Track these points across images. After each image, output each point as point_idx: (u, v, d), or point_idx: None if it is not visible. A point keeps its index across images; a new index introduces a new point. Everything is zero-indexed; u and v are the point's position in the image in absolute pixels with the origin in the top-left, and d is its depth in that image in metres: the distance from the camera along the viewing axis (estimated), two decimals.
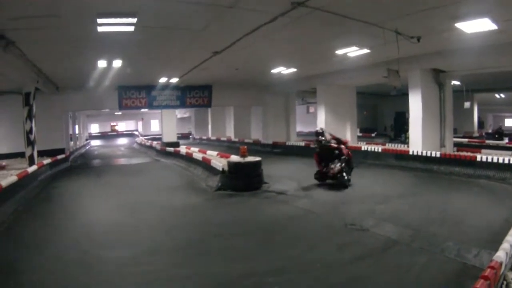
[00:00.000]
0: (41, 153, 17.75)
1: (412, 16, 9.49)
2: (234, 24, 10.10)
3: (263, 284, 5.41)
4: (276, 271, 5.81)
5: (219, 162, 13.45)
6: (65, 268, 6.24)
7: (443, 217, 8.44)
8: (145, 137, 39.43)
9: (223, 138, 33.89)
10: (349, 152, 12.63)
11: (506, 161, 12.62)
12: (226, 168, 12.69)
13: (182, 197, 11.90)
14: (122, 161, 24.98)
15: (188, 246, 7.29)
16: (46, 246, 7.52)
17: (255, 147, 24.35)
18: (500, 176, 12.54)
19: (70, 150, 24.00)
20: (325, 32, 11.23)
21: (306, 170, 13.81)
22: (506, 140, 24.88)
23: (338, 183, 11.93)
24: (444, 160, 14.34)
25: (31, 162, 15.63)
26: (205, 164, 15.22)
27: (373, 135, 31.51)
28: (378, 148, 17.72)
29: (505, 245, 4.22)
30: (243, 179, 12.39)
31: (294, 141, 25.24)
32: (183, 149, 21.11)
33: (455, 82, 19.90)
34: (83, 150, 33.06)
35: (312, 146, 13.09)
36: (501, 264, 3.79)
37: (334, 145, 12.45)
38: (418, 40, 11.30)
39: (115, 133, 57.62)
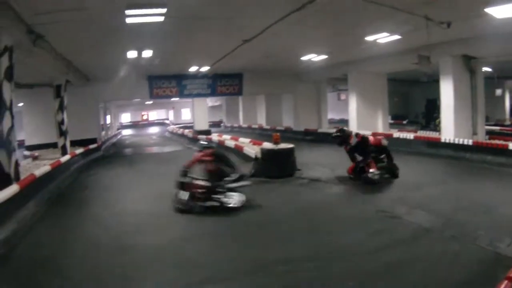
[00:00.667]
0: (73, 143, 18.19)
1: (442, 1, 9.29)
2: (263, 12, 10.02)
3: (298, 269, 5.43)
4: (310, 257, 5.83)
5: (251, 149, 13.44)
6: (100, 254, 6.41)
7: (475, 205, 8.22)
8: (177, 126, 39.71)
9: (254, 126, 33.90)
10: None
11: None
12: (259, 155, 12.67)
13: None
14: (155, 149, 25.22)
15: (223, 232, 7.38)
16: (80, 233, 7.73)
17: (287, 135, 24.23)
18: None
19: (102, 140, 24.45)
20: (355, 18, 11.10)
21: (338, 158, 13.67)
22: None
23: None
24: (476, 148, 13.88)
25: (64, 152, 15.97)
26: (238, 151, 15.23)
27: (404, 122, 30.92)
28: (410, 136, 17.37)
29: None
30: (276, 166, 12.35)
31: (326, 128, 25.02)
32: (215, 137, 21.14)
33: (486, 69, 19.29)
34: (114, 140, 33.50)
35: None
36: None
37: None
38: (448, 25, 11.06)
39: (146, 122, 58.20)
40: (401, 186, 10.25)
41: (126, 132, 46.37)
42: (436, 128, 20.27)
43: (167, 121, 53.62)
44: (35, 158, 16.92)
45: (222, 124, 43.28)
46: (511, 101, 29.75)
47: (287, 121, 28.73)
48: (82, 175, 15.00)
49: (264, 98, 33.08)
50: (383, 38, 13.51)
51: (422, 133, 19.19)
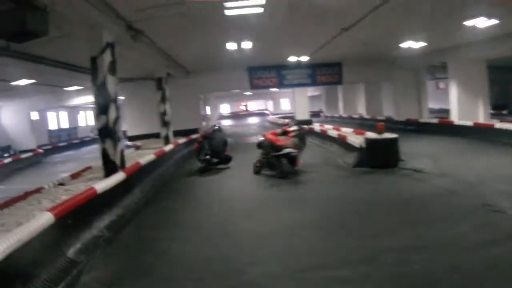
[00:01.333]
0: (175, 133, 18.91)
1: None
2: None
3: (404, 260, 5.19)
4: (416, 249, 5.55)
5: (355, 139, 13.20)
6: (205, 238, 6.60)
7: None
8: (276, 116, 40.08)
9: (354, 116, 33.31)
10: None
11: None
12: (363, 145, 12.45)
13: (320, 174, 11.78)
14: (254, 139, 25.49)
15: (327, 222, 7.25)
16: (185, 218, 8.05)
17: (388, 124, 23.38)
18: None
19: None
20: (454, 2, 10.50)
21: (440, 148, 13.13)
22: None
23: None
24: None
25: (167, 141, 16.67)
26: (341, 141, 14.96)
27: (504, 112, 28.90)
28: None
29: None
30: (380, 156, 11.97)
31: (427, 118, 24.04)
32: (316, 127, 20.99)
33: None
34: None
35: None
36: None
37: None
38: None
39: (245, 112, 59.26)
40: (508, 179, 9.50)
41: (226, 122, 47.43)
42: None
43: (266, 111, 54.29)
44: (137, 147, 17.85)
45: (322, 114, 43.02)
46: None
47: (387, 111, 27.94)
48: (185, 164, 15.53)
49: (364, 87, 32.29)
50: (482, 22, 12.66)
51: None
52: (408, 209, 7.85)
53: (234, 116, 56.69)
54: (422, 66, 24.39)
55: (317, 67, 23.79)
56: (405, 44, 17.39)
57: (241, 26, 11.79)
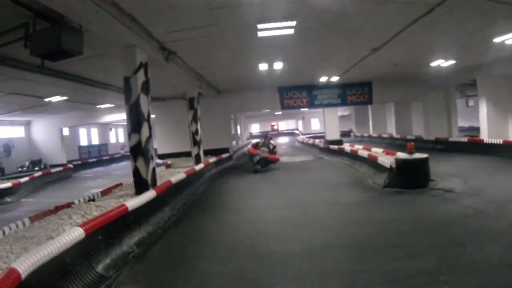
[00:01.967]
0: (206, 152, 19.06)
1: None
2: (390, 19, 9.79)
3: (433, 282, 5.09)
4: (445, 270, 5.42)
5: (386, 159, 13.09)
6: (236, 259, 6.54)
7: None
8: (306, 136, 39.97)
9: (384, 135, 33.04)
10: None
11: None
12: (393, 165, 12.33)
13: (349, 194, 11.76)
14: (285, 159, 25.44)
15: (356, 243, 7.14)
16: (215, 237, 8.03)
17: (417, 144, 23.06)
18: None
19: (233, 149, 25.19)
20: (482, 20, 10.36)
21: (471, 167, 12.87)
22: None
23: None
24: None
25: (198, 160, 16.80)
26: (371, 161, 14.82)
27: None
28: None
29: None
30: (410, 177, 11.85)
31: (457, 137, 23.65)
32: (347, 147, 20.88)
33: None
34: (245, 149, 34.39)
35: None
36: None
37: None
38: None
39: (275, 132, 59.27)
40: None
41: (256, 141, 47.43)
42: None
43: (296, 131, 54.20)
44: (168, 166, 17.98)
45: (352, 134, 42.63)
46: None
47: (417, 130, 27.56)
48: (215, 183, 15.62)
49: (393, 106, 32.07)
50: (511, 39, 12.50)
51: None
52: (437, 229, 7.68)
53: (264, 135, 56.69)
54: (451, 84, 24.01)
55: (347, 87, 23.71)
56: (434, 63, 17.28)
57: (273, 47, 11.91)
